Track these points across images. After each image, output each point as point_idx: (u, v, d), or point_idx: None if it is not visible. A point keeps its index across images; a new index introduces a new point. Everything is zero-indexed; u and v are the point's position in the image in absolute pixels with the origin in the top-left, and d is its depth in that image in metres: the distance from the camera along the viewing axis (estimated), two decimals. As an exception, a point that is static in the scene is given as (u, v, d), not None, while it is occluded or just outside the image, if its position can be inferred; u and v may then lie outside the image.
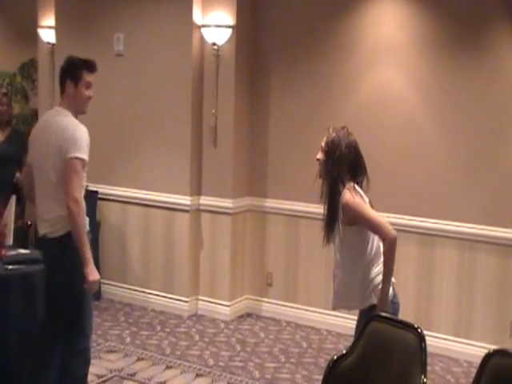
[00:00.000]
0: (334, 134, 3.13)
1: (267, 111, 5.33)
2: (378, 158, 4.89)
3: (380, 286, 3.10)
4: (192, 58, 5.18)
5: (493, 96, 4.49)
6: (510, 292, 4.50)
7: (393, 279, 3.15)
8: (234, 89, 5.18)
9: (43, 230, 3.31)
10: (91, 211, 5.55)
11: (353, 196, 3.05)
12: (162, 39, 5.31)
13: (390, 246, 3.02)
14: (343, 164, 3.10)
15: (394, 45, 4.77)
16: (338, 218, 3.07)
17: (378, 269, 3.15)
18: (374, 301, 3.13)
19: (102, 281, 5.59)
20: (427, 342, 4.67)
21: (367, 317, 2.99)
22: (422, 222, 4.73)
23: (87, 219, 3.28)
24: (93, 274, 3.16)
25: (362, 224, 3.08)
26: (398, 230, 4.68)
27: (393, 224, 4.66)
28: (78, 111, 3.35)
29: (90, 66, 3.32)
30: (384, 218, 3.02)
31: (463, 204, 4.61)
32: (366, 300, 3.17)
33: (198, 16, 5.18)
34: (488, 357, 2.58)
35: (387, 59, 4.81)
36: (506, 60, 4.43)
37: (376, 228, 3.05)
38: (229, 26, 5.10)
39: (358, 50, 4.91)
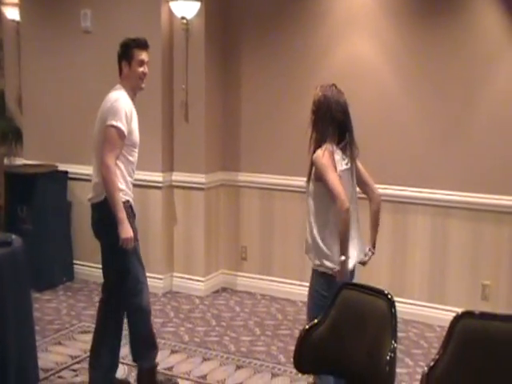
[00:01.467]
0: (320, 94, 3.10)
1: (239, 85, 5.28)
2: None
3: (328, 255, 3.08)
4: (161, 33, 5.10)
5: (464, 62, 4.49)
6: (481, 256, 4.57)
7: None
8: (205, 63, 5.11)
9: (89, 195, 3.58)
10: (61, 192, 5.51)
11: (323, 155, 3.02)
12: (130, 14, 5.20)
13: (342, 215, 2.98)
14: (330, 123, 3.07)
15: (365, 14, 4.75)
16: (312, 171, 3.09)
17: (330, 237, 3.08)
18: (317, 263, 3.11)
19: (75, 261, 5.62)
20: (401, 309, 4.76)
21: (312, 278, 3.12)
22: (395, 190, 4.74)
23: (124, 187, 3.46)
24: (124, 232, 3.34)
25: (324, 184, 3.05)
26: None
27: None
28: (134, 88, 3.55)
29: (140, 44, 3.51)
30: (342, 189, 2.96)
31: (436, 171, 4.64)
32: (313, 260, 3.15)
33: (166, -10, 5.10)
34: (456, 319, 2.58)
35: (359, 28, 4.78)
36: (476, 26, 4.43)
37: (331, 193, 2.99)
38: (197, 0, 5.02)
39: (329, 20, 4.87)
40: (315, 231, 3.11)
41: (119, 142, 3.39)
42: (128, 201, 3.50)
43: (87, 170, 5.42)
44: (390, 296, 2.79)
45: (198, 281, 5.28)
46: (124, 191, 3.47)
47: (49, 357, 4.06)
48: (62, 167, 5.55)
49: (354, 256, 3.18)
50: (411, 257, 4.78)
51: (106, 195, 3.39)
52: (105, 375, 3.59)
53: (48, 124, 5.69)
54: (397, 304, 4.74)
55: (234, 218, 5.38)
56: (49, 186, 5.39)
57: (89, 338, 4.28)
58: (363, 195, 3.35)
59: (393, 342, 2.63)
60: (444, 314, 4.50)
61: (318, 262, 3.14)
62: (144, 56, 3.53)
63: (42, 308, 4.90)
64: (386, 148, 4.79)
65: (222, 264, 5.46)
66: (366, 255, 3.35)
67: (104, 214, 3.42)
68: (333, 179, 2.98)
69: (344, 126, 3.11)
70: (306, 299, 4.92)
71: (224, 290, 5.41)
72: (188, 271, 5.31)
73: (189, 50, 5.13)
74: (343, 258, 3.06)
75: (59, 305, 5.00)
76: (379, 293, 2.85)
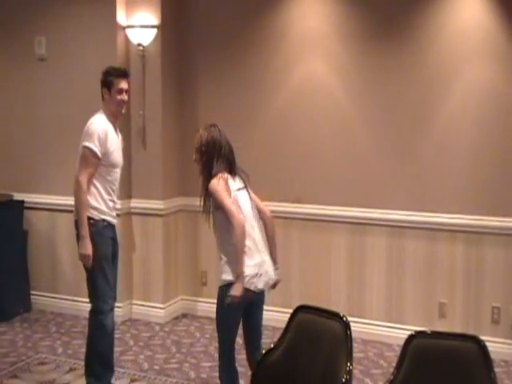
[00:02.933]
0: (206, 134, 3.32)
1: (196, 110, 5.31)
2: (306, 150, 4.98)
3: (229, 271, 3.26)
4: (117, 60, 5.10)
5: (414, 85, 4.62)
6: (437, 274, 4.65)
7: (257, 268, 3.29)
8: (161, 89, 5.14)
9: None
10: (17, 221, 5.42)
11: (218, 183, 3.25)
12: (85, 42, 5.21)
13: (238, 231, 3.18)
14: (221, 160, 3.32)
15: (320, 37, 4.86)
16: (211, 204, 3.29)
17: (234, 257, 3.24)
18: (227, 277, 3.28)
19: (31, 292, 5.52)
20: (361, 329, 4.84)
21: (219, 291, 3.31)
22: (350, 211, 4.82)
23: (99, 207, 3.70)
24: (82, 248, 3.62)
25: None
26: (329, 221, 4.88)
27: (323, 215, 4.86)
28: (114, 113, 3.81)
29: (120, 73, 3.79)
30: (236, 210, 3.20)
31: (390, 192, 4.74)
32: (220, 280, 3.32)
33: (122, 17, 5.12)
34: (409, 339, 2.64)
35: (313, 51, 4.89)
36: (426, 50, 4.57)
37: (227, 214, 3.20)
38: (154, 26, 5.06)
39: (284, 43, 4.97)
40: (223, 255, 3.31)
41: (92, 161, 3.63)
42: (104, 220, 3.71)
43: (44, 198, 5.40)
44: (345, 318, 2.83)
45: (158, 308, 5.23)
46: (99, 210, 3.70)
47: (4, 391, 3.98)
48: (17, 196, 5.47)
49: (266, 275, 3.33)
50: (369, 277, 4.83)
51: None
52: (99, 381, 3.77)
53: (3, 153, 5.61)
54: (356, 325, 4.84)
55: (193, 244, 5.37)
56: (4, 215, 5.30)
57: (46, 368, 4.24)
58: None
59: (348, 364, 2.66)
60: (403, 334, 4.46)
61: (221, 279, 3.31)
62: (123, 84, 3.77)
63: (-3, 340, 4.80)
64: (342, 169, 4.87)
65: (181, 290, 5.43)
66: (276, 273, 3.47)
67: (77, 231, 3.69)
68: (227, 203, 3.21)
69: (231, 161, 3.38)
70: (270, 323, 4.98)
71: (184, 315, 5.37)
72: (147, 298, 5.27)
73: (145, 77, 5.15)
74: (239, 271, 3.21)
75: (15, 337, 4.89)
76: (334, 315, 2.88)
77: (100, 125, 3.70)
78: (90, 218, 3.66)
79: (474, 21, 4.43)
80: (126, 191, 5.23)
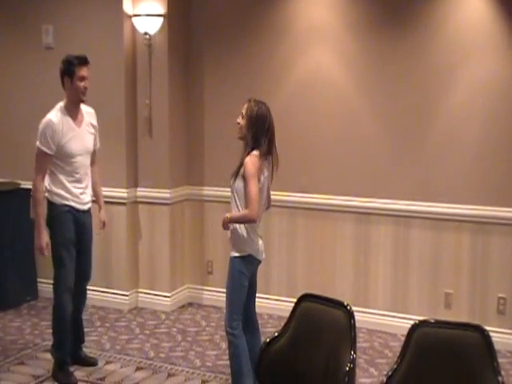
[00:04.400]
0: (255, 108, 3.42)
1: (202, 99, 5.30)
2: (312, 139, 4.96)
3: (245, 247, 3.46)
4: (124, 49, 5.10)
5: (421, 74, 4.58)
6: (443, 264, 4.64)
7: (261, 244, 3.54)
8: (168, 78, 5.12)
9: None
10: (24, 209, 5.43)
11: (253, 162, 3.37)
12: (92, 30, 5.20)
13: (247, 218, 3.37)
14: (263, 136, 3.42)
15: (326, 27, 4.82)
16: (241, 171, 3.41)
17: (248, 232, 3.45)
18: (234, 253, 3.49)
19: (39, 280, 5.55)
20: (366, 319, 4.85)
21: (230, 263, 3.49)
22: (357, 201, 4.81)
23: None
24: (37, 238, 3.88)
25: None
26: (334, 211, 4.87)
27: (328, 205, 4.85)
28: (75, 101, 3.90)
29: (81, 61, 3.84)
30: (258, 199, 3.34)
31: (396, 181, 4.72)
32: (234, 249, 3.50)
33: (128, 6, 5.10)
34: (413, 328, 2.64)
35: (319, 41, 4.85)
36: (432, 38, 4.52)
37: (247, 199, 3.35)
38: (160, 15, 5.04)
39: (290, 33, 4.93)
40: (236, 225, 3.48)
41: (43, 161, 3.84)
42: (66, 205, 3.89)
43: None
44: (348, 307, 2.83)
45: (164, 296, 5.25)
46: (61, 195, 3.89)
47: (11, 377, 4.00)
48: (25, 185, 5.49)
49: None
50: (374, 267, 4.83)
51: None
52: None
53: (10, 141, 5.63)
54: (361, 314, 4.86)
55: (199, 233, 5.38)
56: (11, 203, 5.32)
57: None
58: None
59: (352, 352, 2.67)
60: (408, 323, 4.47)
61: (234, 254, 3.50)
62: (84, 72, 3.86)
63: (4, 328, 4.83)
64: (347, 159, 4.85)
65: (187, 279, 5.45)
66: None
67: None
68: (254, 187, 3.34)
69: (272, 139, 3.48)
70: (275, 312, 5.00)
71: (190, 304, 5.39)
72: (153, 287, 5.29)
73: (152, 66, 5.14)
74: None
75: (22, 324, 4.92)
76: (338, 304, 2.89)
77: (47, 121, 3.84)
78: (51, 203, 3.90)
79: (480, 11, 4.38)
80: (133, 180, 5.24)
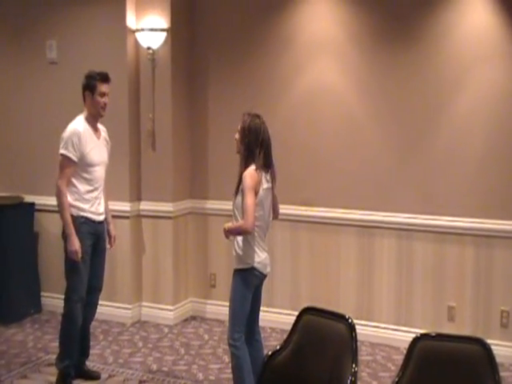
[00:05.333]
0: (249, 120, 3.48)
1: (206, 112, 5.33)
2: (315, 152, 4.98)
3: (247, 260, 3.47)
4: (127, 63, 5.14)
5: (424, 86, 4.61)
6: (446, 277, 4.63)
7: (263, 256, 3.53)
8: (171, 92, 5.16)
9: None
10: (28, 223, 5.47)
11: (251, 175, 3.40)
12: (96, 45, 5.25)
13: (242, 229, 3.39)
14: (257, 148, 3.45)
15: (329, 40, 4.86)
16: (241, 186, 3.45)
17: (251, 245, 3.47)
18: (237, 265, 3.51)
19: (42, 293, 5.56)
20: (369, 333, 4.84)
21: (234, 275, 3.52)
22: (359, 214, 4.82)
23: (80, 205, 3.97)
24: (69, 245, 3.88)
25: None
26: (338, 224, 4.88)
27: (331, 218, 4.86)
28: (95, 115, 4.03)
29: (103, 77, 4.00)
30: (253, 212, 3.35)
31: (398, 194, 4.73)
32: (237, 262, 3.52)
33: (131, 20, 5.15)
34: (414, 342, 2.64)
35: (322, 54, 4.89)
36: (435, 49, 4.55)
37: (243, 210, 3.37)
38: (163, 30, 5.08)
39: (294, 46, 4.97)
40: (236, 240, 3.52)
41: (68, 167, 3.91)
42: (83, 216, 3.95)
43: (54, 200, 5.40)
44: (350, 320, 2.83)
45: (167, 310, 5.25)
46: (78, 207, 3.94)
47: (14, 391, 4.02)
48: (28, 199, 5.52)
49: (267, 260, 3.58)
50: (378, 280, 4.82)
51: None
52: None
53: (14, 155, 5.67)
54: (364, 328, 4.86)
55: (202, 246, 5.39)
56: (15, 217, 5.35)
57: (55, 370, 4.26)
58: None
59: (353, 365, 2.66)
60: (411, 337, 4.48)
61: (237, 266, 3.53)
62: (105, 88, 4.00)
63: (7, 341, 4.83)
64: (350, 171, 4.86)
65: (191, 292, 5.45)
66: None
67: (62, 229, 3.98)
68: (251, 200, 3.35)
69: (269, 151, 3.51)
70: (278, 325, 5.00)
71: (193, 318, 5.39)
72: (157, 300, 5.29)
73: (155, 80, 5.17)
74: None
75: (26, 337, 4.93)
76: (340, 317, 2.88)
77: (73, 129, 3.92)
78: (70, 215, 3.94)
79: (484, 21, 4.41)
80: (136, 194, 5.26)
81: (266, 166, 3.49)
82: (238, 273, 3.50)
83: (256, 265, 3.48)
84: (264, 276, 3.58)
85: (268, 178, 3.52)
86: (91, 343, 4.42)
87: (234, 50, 5.18)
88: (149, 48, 5.11)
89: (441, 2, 4.51)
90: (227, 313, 3.61)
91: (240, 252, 3.49)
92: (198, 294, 5.44)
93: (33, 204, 5.49)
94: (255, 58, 5.11)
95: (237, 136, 3.52)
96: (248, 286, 3.48)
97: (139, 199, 5.29)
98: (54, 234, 5.49)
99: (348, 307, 4.73)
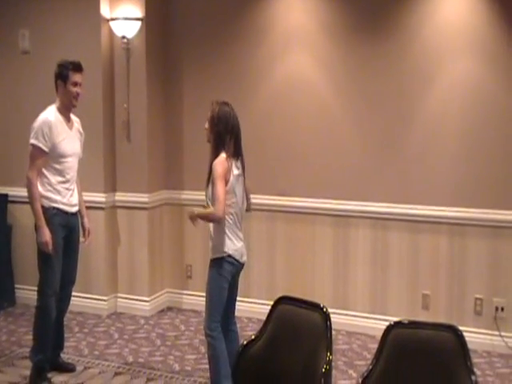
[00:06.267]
0: (218, 109, 3.46)
1: (181, 103, 5.30)
2: (290, 143, 4.98)
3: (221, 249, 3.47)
4: (101, 53, 5.08)
5: (399, 78, 4.62)
6: (420, 265, 4.68)
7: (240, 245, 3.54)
8: (146, 82, 5.12)
9: None
10: (1, 215, 5.39)
11: (222, 163, 3.38)
12: (69, 34, 5.17)
13: (212, 216, 3.40)
14: (230, 135, 3.44)
15: (304, 31, 4.85)
16: (211, 177, 3.44)
17: (227, 234, 3.45)
18: (213, 255, 3.50)
19: (16, 286, 5.50)
20: (345, 321, 4.87)
21: (210, 265, 3.51)
22: (335, 204, 4.84)
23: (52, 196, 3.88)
24: (40, 236, 3.82)
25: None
26: (313, 214, 4.89)
27: (307, 208, 4.88)
28: (67, 105, 3.95)
29: (75, 67, 3.93)
30: (224, 199, 3.33)
31: (373, 184, 4.75)
32: (213, 252, 3.52)
33: (105, 9, 5.09)
34: (388, 329, 2.66)
35: (297, 45, 4.88)
36: (410, 41, 4.57)
37: (213, 198, 3.36)
38: (138, 19, 5.03)
39: (269, 37, 4.96)
40: (212, 230, 3.52)
41: (38, 157, 3.83)
42: (54, 207, 3.89)
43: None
44: (325, 309, 2.84)
45: (143, 301, 5.23)
46: (49, 198, 3.88)
47: (-14, 384, 3.97)
48: (1, 190, 5.44)
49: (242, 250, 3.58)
50: (353, 269, 4.85)
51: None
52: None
53: (-14, 146, 5.58)
54: (340, 317, 4.89)
55: (178, 237, 5.37)
56: (-13, 209, 5.28)
57: (29, 363, 4.22)
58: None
59: (328, 354, 2.68)
60: (386, 325, 4.58)
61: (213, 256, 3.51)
62: (78, 78, 3.93)
63: (-19, 334, 4.78)
64: (326, 162, 4.88)
65: (166, 283, 5.43)
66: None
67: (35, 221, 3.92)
68: (221, 187, 3.34)
69: (239, 139, 3.49)
70: (254, 315, 5.00)
71: (169, 309, 5.37)
72: (132, 292, 5.26)
73: (130, 69, 5.12)
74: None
75: (-1, 331, 4.89)
76: (315, 306, 2.89)
77: (44, 119, 3.86)
78: (41, 207, 3.86)
79: (458, 13, 4.44)
80: (111, 185, 5.22)
81: (236, 153, 3.48)
82: (215, 262, 3.49)
83: (232, 252, 3.47)
84: (241, 265, 3.57)
85: (238, 165, 3.51)
86: (67, 335, 4.38)
87: (210, 41, 5.15)
88: (123, 37, 5.06)
89: (415, -7, 4.54)
90: (204, 303, 3.60)
91: (216, 241, 3.49)
92: (174, 284, 5.42)
93: (6, 195, 5.41)
94: (231, 48, 5.09)
95: (206, 125, 3.50)
96: (225, 275, 3.47)
97: (114, 190, 5.24)
98: (27, 226, 5.40)
99: (324, 296, 4.76)
